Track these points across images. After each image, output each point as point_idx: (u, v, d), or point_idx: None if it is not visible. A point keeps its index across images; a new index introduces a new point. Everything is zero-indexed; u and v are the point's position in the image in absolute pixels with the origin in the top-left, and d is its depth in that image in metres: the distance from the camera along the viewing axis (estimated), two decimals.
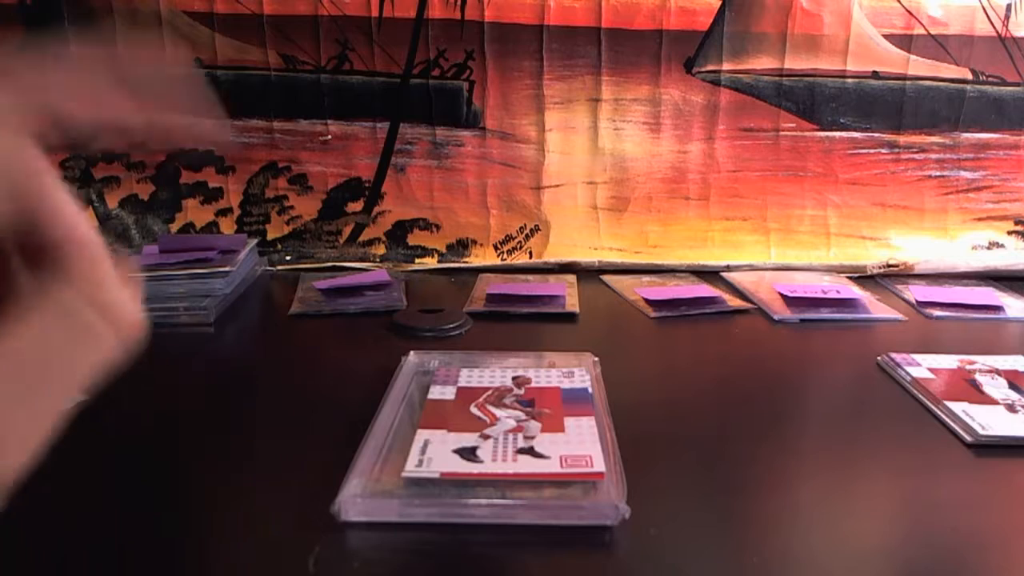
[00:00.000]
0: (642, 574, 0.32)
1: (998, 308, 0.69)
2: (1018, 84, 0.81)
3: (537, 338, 0.62)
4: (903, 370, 0.53)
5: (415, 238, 0.84)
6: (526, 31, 0.78)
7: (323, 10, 0.77)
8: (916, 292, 0.73)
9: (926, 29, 0.80)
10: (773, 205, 0.84)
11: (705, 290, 0.72)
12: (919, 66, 0.80)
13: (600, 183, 0.84)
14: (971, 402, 0.47)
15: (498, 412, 0.43)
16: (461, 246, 0.84)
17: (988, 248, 0.85)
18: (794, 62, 0.80)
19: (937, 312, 0.68)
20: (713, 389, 0.53)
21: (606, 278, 0.79)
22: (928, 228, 0.85)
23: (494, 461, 0.38)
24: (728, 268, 0.82)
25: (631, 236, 0.85)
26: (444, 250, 0.84)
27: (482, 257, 0.84)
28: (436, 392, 0.46)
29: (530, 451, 0.39)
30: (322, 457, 0.40)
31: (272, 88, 0.80)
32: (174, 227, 0.83)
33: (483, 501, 0.35)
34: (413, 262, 0.84)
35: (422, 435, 0.40)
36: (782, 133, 0.82)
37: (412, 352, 0.53)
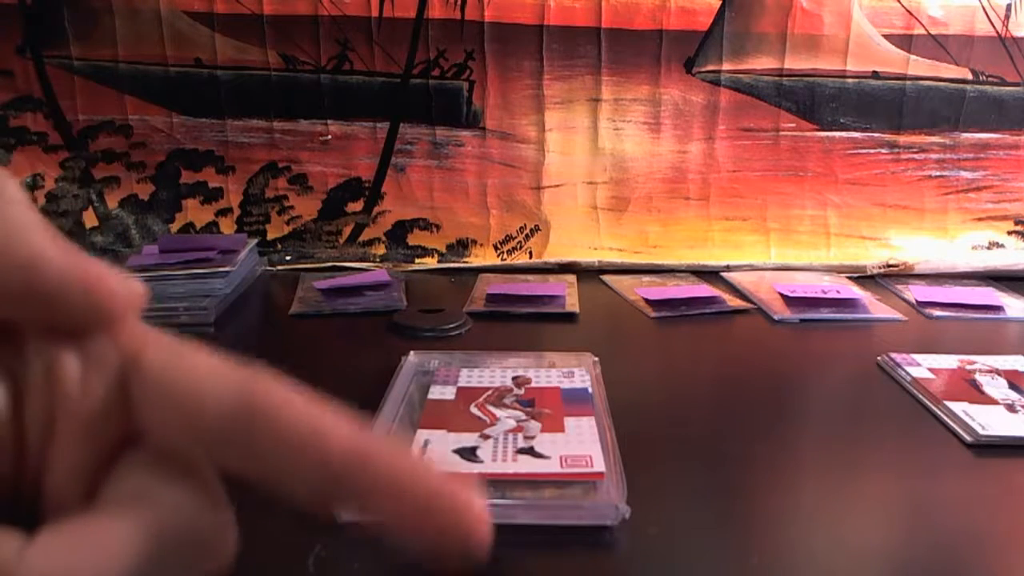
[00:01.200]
0: (642, 574, 0.32)
1: (998, 308, 0.69)
2: (1018, 84, 0.81)
3: (537, 338, 0.62)
4: (903, 370, 0.53)
5: (415, 238, 0.84)
6: (526, 31, 0.78)
7: (323, 10, 0.77)
8: (916, 292, 0.73)
9: (926, 29, 0.80)
10: (773, 205, 0.84)
11: (705, 290, 0.72)
12: (919, 66, 0.80)
13: (600, 183, 0.84)
14: (971, 402, 0.47)
15: (498, 412, 0.43)
16: (461, 246, 0.84)
17: (988, 248, 0.85)
18: (794, 62, 0.80)
19: (937, 312, 0.68)
20: (713, 389, 0.53)
21: (606, 278, 0.79)
22: (928, 228, 0.85)
23: (494, 461, 0.38)
24: (728, 268, 0.82)
25: (631, 236, 0.85)
26: (444, 250, 0.84)
27: (482, 257, 0.84)
28: (436, 392, 0.46)
29: (530, 451, 0.39)
30: None
31: (272, 88, 0.80)
32: (174, 227, 0.83)
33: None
34: (413, 262, 0.83)
35: (422, 435, 0.40)
36: (782, 133, 0.82)
37: (412, 352, 0.53)
